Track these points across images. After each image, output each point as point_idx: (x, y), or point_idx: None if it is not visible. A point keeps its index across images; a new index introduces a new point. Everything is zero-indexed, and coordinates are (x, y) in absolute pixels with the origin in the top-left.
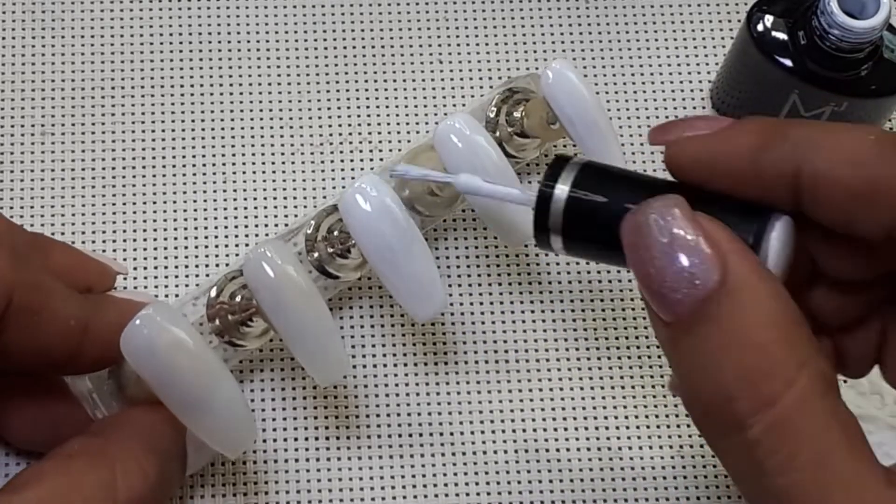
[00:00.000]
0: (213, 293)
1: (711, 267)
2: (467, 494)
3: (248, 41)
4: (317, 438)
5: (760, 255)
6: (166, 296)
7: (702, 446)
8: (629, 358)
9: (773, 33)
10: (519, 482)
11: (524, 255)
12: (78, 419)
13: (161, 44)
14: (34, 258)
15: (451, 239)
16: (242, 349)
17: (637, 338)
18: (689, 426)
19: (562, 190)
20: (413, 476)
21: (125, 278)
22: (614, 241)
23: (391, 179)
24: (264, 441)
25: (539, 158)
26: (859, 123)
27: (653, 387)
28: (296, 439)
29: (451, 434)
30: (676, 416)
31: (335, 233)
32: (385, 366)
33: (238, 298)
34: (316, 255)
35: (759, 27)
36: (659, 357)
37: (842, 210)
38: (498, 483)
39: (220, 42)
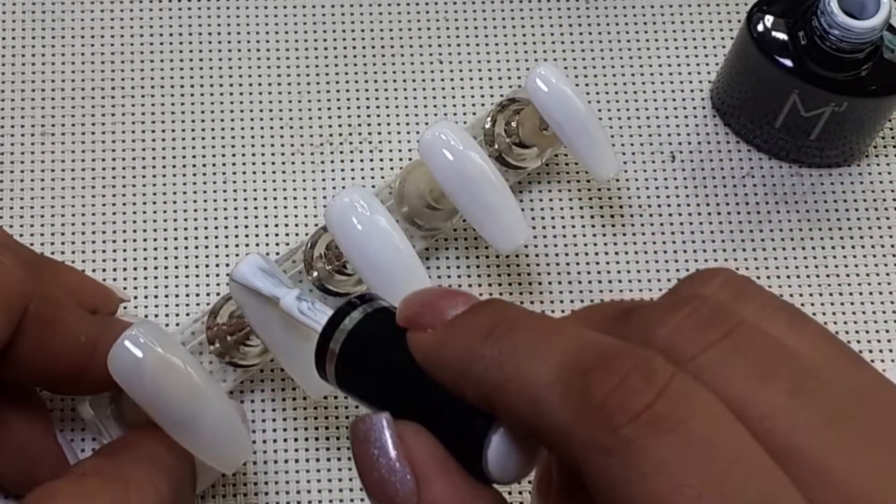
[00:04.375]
0: (211, 315)
1: (409, 488)
2: None
3: (248, 41)
4: (317, 438)
5: (485, 462)
6: (166, 296)
7: None
8: None
9: (774, 33)
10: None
11: (517, 264)
12: (55, 459)
13: (161, 44)
14: (46, 273)
15: (451, 248)
16: (245, 369)
17: None
18: None
19: (342, 331)
20: None
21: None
22: (378, 394)
23: (378, 192)
24: (264, 442)
25: (541, 168)
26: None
27: None
28: (296, 439)
29: None
30: None
31: (332, 249)
32: None
33: (235, 319)
34: (315, 273)
35: (760, 27)
36: None
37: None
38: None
39: (220, 42)
